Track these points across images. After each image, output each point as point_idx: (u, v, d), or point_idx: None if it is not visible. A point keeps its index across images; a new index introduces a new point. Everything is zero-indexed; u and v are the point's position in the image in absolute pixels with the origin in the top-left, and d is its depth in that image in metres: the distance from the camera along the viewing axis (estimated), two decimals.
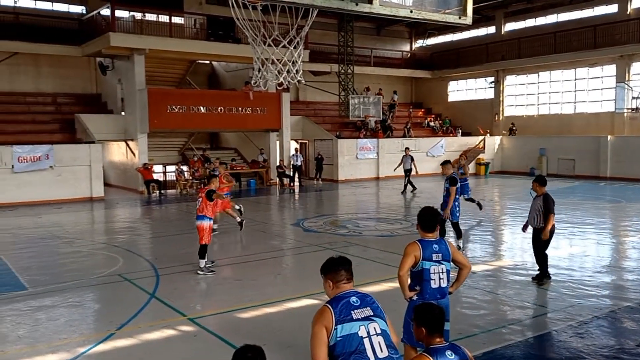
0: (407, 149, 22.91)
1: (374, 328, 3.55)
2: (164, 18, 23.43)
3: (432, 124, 32.67)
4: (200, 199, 9.62)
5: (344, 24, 28.26)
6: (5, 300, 8.14)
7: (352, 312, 3.57)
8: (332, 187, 24.21)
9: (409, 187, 21.10)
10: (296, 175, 25.03)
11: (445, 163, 11.44)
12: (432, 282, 4.85)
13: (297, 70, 11.70)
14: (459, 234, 11.04)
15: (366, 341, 3.48)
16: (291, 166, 25.14)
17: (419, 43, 37.31)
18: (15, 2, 24.38)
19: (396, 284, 5.17)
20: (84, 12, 25.37)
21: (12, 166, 18.68)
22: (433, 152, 28.96)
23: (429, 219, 5.00)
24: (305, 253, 11.27)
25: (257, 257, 10.85)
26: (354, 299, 3.66)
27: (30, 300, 8.11)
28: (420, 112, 35.21)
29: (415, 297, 4.87)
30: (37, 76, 24.89)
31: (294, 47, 11.41)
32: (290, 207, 19.83)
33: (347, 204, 19.80)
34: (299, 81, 11.87)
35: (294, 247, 12.17)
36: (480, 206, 15.03)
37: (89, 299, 8.42)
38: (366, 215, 16.52)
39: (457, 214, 10.97)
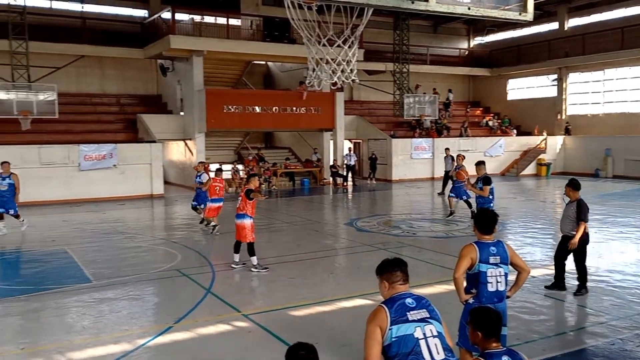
0: (447, 149, 22.34)
1: (430, 330, 3.52)
2: (222, 20, 23.93)
3: (490, 123, 31.85)
4: (240, 198, 9.76)
5: (399, 22, 27.98)
6: (71, 292, 8.54)
7: (408, 313, 3.56)
8: (385, 187, 24.04)
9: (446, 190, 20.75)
10: (349, 175, 25.01)
11: (479, 164, 11.81)
12: (489, 285, 4.73)
13: (351, 70, 11.68)
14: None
15: (422, 343, 3.46)
16: (345, 166, 25.13)
17: (477, 40, 36.45)
18: (82, 7, 25.52)
19: (451, 287, 5.08)
20: (146, 15, 26.28)
21: (79, 164, 19.58)
22: (491, 152, 28.24)
23: (487, 221, 4.89)
24: (358, 253, 11.23)
25: (310, 256, 10.91)
26: (409, 300, 3.64)
27: (94, 292, 8.47)
28: (478, 111, 34.40)
29: (471, 301, 4.77)
30: (102, 78, 25.98)
31: (349, 47, 11.39)
32: (343, 207, 19.84)
33: (401, 204, 19.60)
34: (353, 80, 11.84)
35: (347, 246, 12.16)
36: (472, 213, 14.20)
37: (148, 292, 8.72)
38: (421, 215, 16.30)
39: None
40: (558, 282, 8.09)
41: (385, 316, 3.54)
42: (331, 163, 25.20)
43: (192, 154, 23.15)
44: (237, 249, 9.87)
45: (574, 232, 7.82)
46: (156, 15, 23.82)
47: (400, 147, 26.33)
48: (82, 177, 19.49)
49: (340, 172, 24.97)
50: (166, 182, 23.20)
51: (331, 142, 26.02)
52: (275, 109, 23.61)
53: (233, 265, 9.76)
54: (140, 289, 8.74)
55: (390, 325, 3.49)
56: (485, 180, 11.30)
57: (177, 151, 25.37)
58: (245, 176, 23.60)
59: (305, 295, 8.13)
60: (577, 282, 8.01)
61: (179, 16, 22.49)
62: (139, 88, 26.77)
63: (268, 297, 8.29)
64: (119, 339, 6.50)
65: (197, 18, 23.88)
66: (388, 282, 3.77)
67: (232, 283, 8.87)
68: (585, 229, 7.82)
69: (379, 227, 13.97)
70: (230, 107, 22.61)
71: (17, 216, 13.41)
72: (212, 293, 8.31)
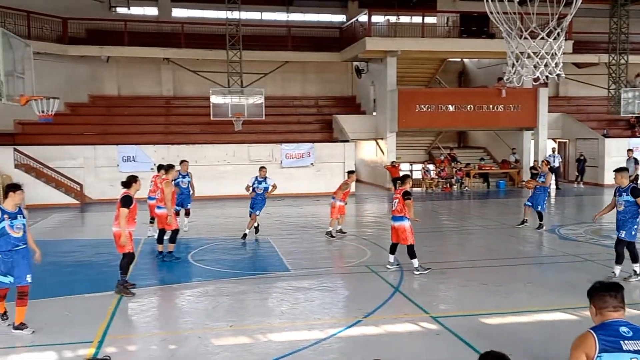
0: (629, 150, 19.16)
1: None
2: (417, 19, 23.89)
3: None
4: (397, 200, 9.40)
5: (617, 9, 24.96)
6: (273, 279, 9.30)
7: (622, 342, 3.21)
8: (595, 192, 21.63)
9: None
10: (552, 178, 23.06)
11: (619, 170, 9.04)
12: None
13: (556, 64, 10.80)
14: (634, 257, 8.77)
15: None
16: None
17: None
18: (287, 17, 27.64)
19: None
20: (344, 20, 27.44)
21: (281, 162, 21.29)
22: None
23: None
24: (561, 263, 10.28)
25: (504, 262, 10.32)
26: (624, 329, 3.28)
27: (291, 280, 9.09)
28: None
29: None
30: (303, 81, 27.85)
31: (554, 39, 10.55)
32: (544, 212, 18.34)
33: (614, 212, 17.43)
34: (558, 75, 10.94)
35: (547, 255, 11.23)
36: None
37: (339, 285, 9.07)
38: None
39: (634, 233, 8.66)
40: None
41: (593, 343, 3.23)
42: (531, 164, 23.51)
43: (383, 153, 23.55)
44: (393, 251, 9.67)
45: None
46: (353, 20, 24.71)
47: (615, 147, 23.44)
48: (283, 173, 21.06)
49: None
50: (358, 181, 23.95)
51: (532, 141, 24.30)
52: (470, 108, 22.83)
53: (388, 267, 9.58)
54: (332, 281, 9.14)
55: (599, 353, 3.19)
56: (634, 191, 8.71)
57: (368, 150, 26.05)
58: (436, 176, 23.39)
59: (497, 303, 7.72)
60: None
61: (375, 18, 23.01)
62: (335, 90, 28.09)
63: (457, 301, 8.03)
64: (312, 326, 6.87)
65: (393, 19, 24.18)
66: (596, 307, 3.43)
67: (421, 283, 8.78)
68: None
69: (586, 236, 12.65)
70: (422, 106, 22.48)
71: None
72: (400, 292, 8.33)
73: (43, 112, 12.79)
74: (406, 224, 9.29)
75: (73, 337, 6.55)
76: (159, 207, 10.90)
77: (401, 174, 24.21)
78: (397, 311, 7.44)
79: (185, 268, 10.16)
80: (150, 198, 12.51)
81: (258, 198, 12.41)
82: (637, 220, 8.62)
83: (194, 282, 9.13)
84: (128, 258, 8.29)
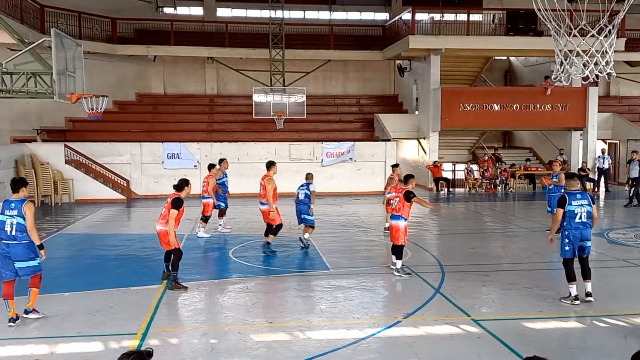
0: (633, 152, 18.40)
1: None
2: (462, 16, 23.49)
3: None
4: (398, 199, 9.30)
5: None
6: (313, 277, 9.35)
7: None
8: None
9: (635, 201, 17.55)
10: (602, 180, 22.29)
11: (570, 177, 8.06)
12: None
13: (606, 62, 10.42)
14: None
15: None
16: (596, 169, 22.48)
17: None
18: (330, 15, 27.66)
19: None
20: (387, 18, 27.24)
21: (322, 160, 21.32)
22: None
23: None
24: (609, 268, 9.93)
25: (550, 266, 10.03)
26: None
27: (331, 279, 9.10)
28: None
29: None
30: (344, 80, 27.80)
31: (605, 36, 10.19)
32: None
33: None
34: (608, 74, 10.55)
35: (596, 259, 10.81)
36: None
37: (379, 285, 9.01)
38: None
39: None
40: None
41: None
42: (580, 166, 22.76)
43: (425, 152, 23.28)
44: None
45: None
46: (397, 18, 24.50)
47: None
48: (324, 172, 21.07)
49: (590, 176, 22.41)
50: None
51: (580, 142, 23.55)
52: (516, 107, 22.29)
53: (396, 273, 9.30)
54: (372, 280, 9.09)
55: None
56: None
57: (410, 150, 25.79)
58: (480, 177, 22.95)
59: (542, 308, 7.51)
60: None
61: (419, 16, 22.75)
62: (377, 88, 27.93)
63: (500, 305, 7.85)
64: (351, 325, 6.86)
65: (437, 16, 23.85)
66: None
67: (462, 286, 8.64)
68: None
69: (637, 241, 12.18)
70: (466, 105, 22.10)
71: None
72: (440, 293, 8.21)
73: (92, 109, 13.18)
74: (401, 224, 9.19)
75: (118, 329, 6.74)
76: (262, 204, 11.16)
77: (443, 173, 24.09)
78: (437, 313, 7.34)
79: (227, 264, 10.32)
80: (204, 197, 12.86)
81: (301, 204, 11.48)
82: None
83: (235, 278, 9.25)
84: (177, 255, 8.53)
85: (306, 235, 11.41)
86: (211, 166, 13.34)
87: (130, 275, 9.32)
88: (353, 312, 7.41)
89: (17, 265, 6.88)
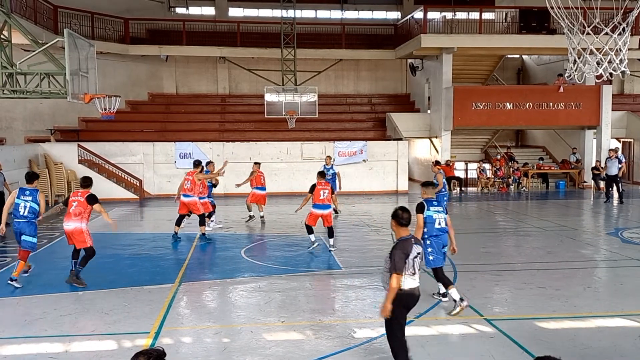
0: (610, 150, 18.58)
1: None
2: (474, 15, 23.37)
3: None
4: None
5: None
6: (326, 276, 9.38)
7: None
8: None
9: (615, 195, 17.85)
10: (613, 187, 22.02)
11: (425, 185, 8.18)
12: None
13: (620, 60, 10.35)
14: None
15: None
16: (604, 175, 22.22)
17: None
18: (342, 14, 27.64)
19: None
20: (399, 17, 27.17)
21: (334, 160, 21.24)
22: None
23: None
24: (623, 267, 9.84)
25: (563, 266, 9.95)
26: None
27: (343, 279, 9.11)
28: None
29: None
30: (356, 79, 27.78)
31: (618, 34, 10.13)
32: (606, 214, 17.59)
33: None
34: (622, 72, 10.47)
35: (609, 259, 10.76)
36: None
37: None
38: None
39: None
40: None
41: None
42: (593, 165, 22.56)
43: (437, 151, 23.18)
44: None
45: None
46: (409, 16, 24.42)
47: None
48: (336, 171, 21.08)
49: (602, 175, 22.19)
50: (410, 179, 23.68)
51: (594, 141, 23.32)
52: (529, 105, 22.13)
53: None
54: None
55: None
56: None
57: (422, 149, 25.71)
58: (492, 176, 22.81)
59: (555, 307, 7.46)
60: None
61: (431, 15, 22.66)
62: (389, 88, 27.89)
63: (513, 305, 7.81)
64: (363, 325, 6.86)
65: (449, 15, 23.75)
66: None
67: (475, 285, 8.60)
68: None
69: None
70: (478, 104, 21.99)
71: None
72: None
73: (105, 109, 13.31)
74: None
75: (131, 327, 6.80)
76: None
77: (456, 173, 23.97)
78: (449, 313, 7.31)
79: (239, 263, 10.35)
80: (186, 195, 12.21)
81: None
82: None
83: (247, 277, 9.28)
84: (90, 253, 8.63)
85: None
86: (197, 163, 12.68)
87: (143, 275, 9.39)
88: (365, 312, 7.41)
89: (23, 237, 8.50)
